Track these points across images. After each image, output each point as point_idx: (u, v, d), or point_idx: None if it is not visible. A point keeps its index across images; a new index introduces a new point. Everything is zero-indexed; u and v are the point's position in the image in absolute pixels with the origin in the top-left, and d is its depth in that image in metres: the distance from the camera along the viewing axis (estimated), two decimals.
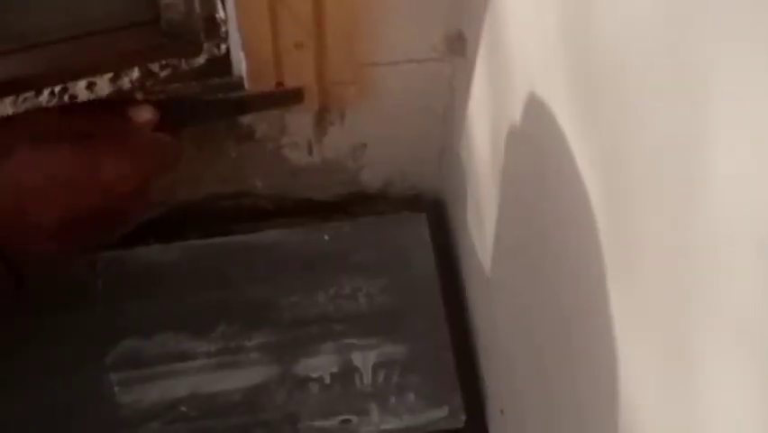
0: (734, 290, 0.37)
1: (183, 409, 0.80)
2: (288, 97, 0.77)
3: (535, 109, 0.60)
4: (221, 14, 0.77)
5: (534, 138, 0.62)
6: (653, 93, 0.42)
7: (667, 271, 0.43)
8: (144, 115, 0.71)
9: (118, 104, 0.73)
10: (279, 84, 0.76)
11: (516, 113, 0.65)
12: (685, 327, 0.42)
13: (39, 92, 0.80)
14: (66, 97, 0.80)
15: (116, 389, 0.80)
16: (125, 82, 0.80)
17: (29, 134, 0.68)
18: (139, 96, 0.77)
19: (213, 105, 0.76)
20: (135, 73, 0.79)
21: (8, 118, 0.73)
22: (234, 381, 0.81)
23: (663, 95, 0.41)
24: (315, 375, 0.82)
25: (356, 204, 0.92)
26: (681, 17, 0.39)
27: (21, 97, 0.80)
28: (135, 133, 0.70)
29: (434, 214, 0.92)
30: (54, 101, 0.80)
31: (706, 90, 0.37)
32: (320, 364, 0.82)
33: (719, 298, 0.38)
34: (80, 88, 0.81)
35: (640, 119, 0.44)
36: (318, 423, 0.80)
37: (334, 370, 0.82)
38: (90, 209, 0.67)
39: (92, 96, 0.80)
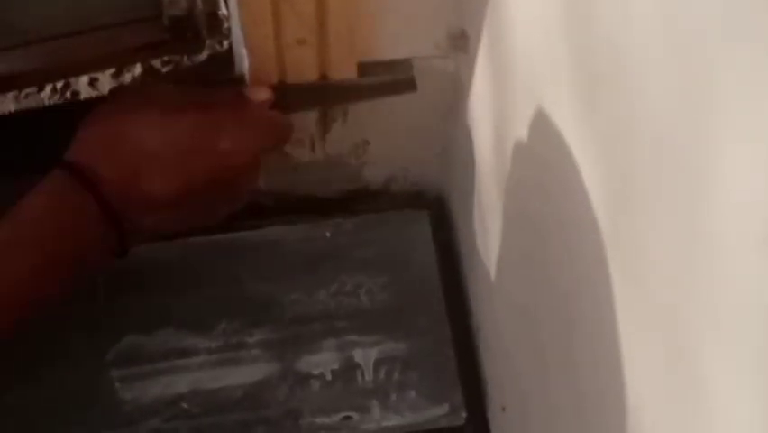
0: (736, 290, 0.37)
1: (184, 405, 0.80)
2: (401, 86, 0.78)
3: (538, 106, 0.60)
4: (223, 11, 0.77)
5: (537, 135, 0.62)
6: (657, 91, 0.42)
7: (669, 271, 0.43)
8: (261, 94, 0.72)
9: (234, 84, 0.74)
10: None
11: (518, 109, 0.65)
12: (687, 327, 0.42)
13: (41, 88, 0.80)
14: (68, 94, 0.81)
15: (117, 385, 0.80)
16: (127, 78, 0.80)
17: (153, 102, 0.68)
18: None
19: (324, 90, 0.77)
20: (137, 69, 0.79)
21: (128, 87, 0.74)
22: (236, 377, 0.81)
23: (667, 92, 0.41)
24: (316, 372, 0.82)
25: (358, 201, 0.92)
26: (684, 15, 0.39)
27: (23, 93, 0.81)
28: (252, 108, 0.71)
29: (437, 211, 0.92)
30: (56, 97, 0.80)
31: (711, 91, 0.37)
32: (321, 361, 0.82)
33: (721, 298, 0.38)
34: (82, 84, 0.81)
35: (644, 116, 0.44)
36: (320, 420, 0.80)
37: (336, 367, 0.82)
38: (206, 180, 0.67)
39: (94, 93, 0.80)
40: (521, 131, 0.66)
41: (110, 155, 0.66)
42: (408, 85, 0.78)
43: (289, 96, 0.75)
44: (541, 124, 0.60)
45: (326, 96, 0.78)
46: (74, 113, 0.70)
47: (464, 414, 0.81)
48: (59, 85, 0.81)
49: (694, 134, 0.39)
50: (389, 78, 0.77)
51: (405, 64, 0.78)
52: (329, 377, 0.82)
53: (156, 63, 0.79)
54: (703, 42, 0.37)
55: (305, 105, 0.79)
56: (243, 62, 0.74)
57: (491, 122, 0.73)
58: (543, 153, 0.61)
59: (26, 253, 0.63)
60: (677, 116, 0.40)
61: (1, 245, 0.63)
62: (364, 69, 0.76)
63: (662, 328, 0.45)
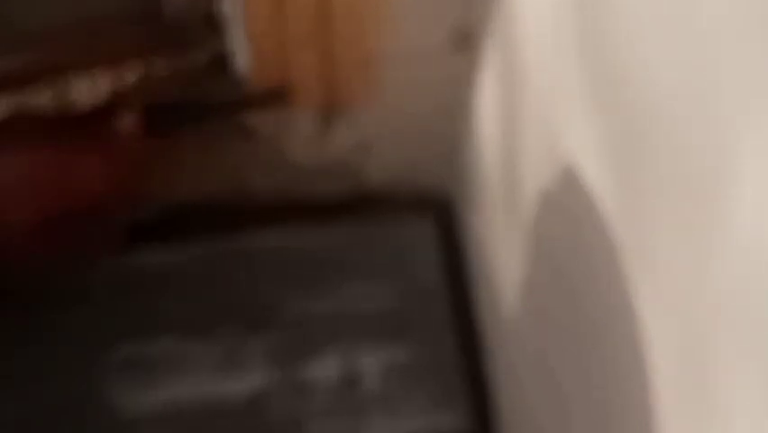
0: (752, 288, 0.35)
1: (185, 411, 0.79)
2: (272, 96, 0.77)
3: (548, 107, 0.59)
4: (223, 11, 0.76)
5: (546, 136, 0.61)
6: (667, 89, 0.41)
7: (684, 276, 0.42)
8: (125, 121, 0.72)
9: (104, 111, 0.73)
10: (278, 83, 0.75)
11: (527, 110, 0.64)
12: (703, 336, 0.40)
13: (38, 87, 0.79)
14: (69, 92, 0.80)
15: (117, 391, 0.79)
16: (127, 76, 0.79)
17: (7, 137, 0.68)
18: (131, 100, 0.76)
19: (205, 107, 0.76)
20: (136, 68, 0.78)
21: None
22: (238, 384, 0.80)
23: (677, 87, 0.40)
24: (319, 378, 0.81)
25: (362, 205, 0.91)
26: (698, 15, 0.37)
27: (20, 91, 0.80)
28: (109, 138, 0.71)
29: (442, 214, 0.91)
30: (56, 96, 0.80)
31: (725, 97, 0.36)
32: (324, 367, 0.81)
33: (737, 297, 0.37)
34: (82, 83, 0.80)
35: (656, 113, 0.43)
36: (323, 427, 0.79)
37: (339, 373, 0.81)
38: (64, 210, 0.68)
39: (93, 92, 0.80)
40: (530, 133, 0.65)
41: None
42: (279, 95, 0.77)
43: (162, 117, 0.74)
44: (551, 126, 0.59)
45: (198, 113, 0.77)
46: None
47: (469, 420, 0.80)
48: (59, 83, 0.79)
49: (706, 135, 0.38)
50: (260, 90, 0.76)
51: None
52: (332, 383, 0.81)
53: (155, 62, 0.78)
54: (716, 45, 0.36)
55: (184, 124, 0.78)
56: (242, 62, 0.73)
57: (499, 124, 0.72)
58: (552, 156, 0.60)
59: None
60: (692, 117, 0.39)
61: None
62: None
63: (676, 337, 0.43)
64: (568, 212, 0.58)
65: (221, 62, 0.76)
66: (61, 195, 0.67)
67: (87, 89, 0.79)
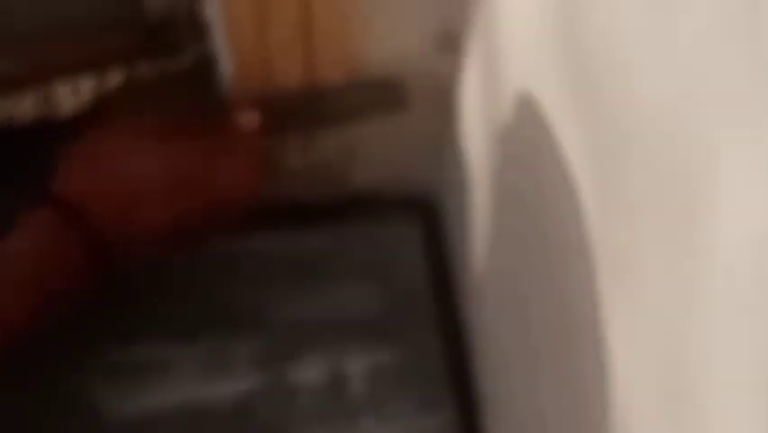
0: (733, 291, 0.35)
1: (170, 417, 0.79)
2: (390, 105, 0.77)
3: (532, 109, 0.59)
4: (205, 14, 0.76)
5: (530, 137, 0.61)
6: (653, 95, 0.41)
7: (666, 276, 0.42)
8: (251, 120, 0.70)
9: (218, 107, 0.72)
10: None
11: (509, 114, 0.64)
12: (681, 336, 0.41)
13: (22, 92, 0.79)
14: (49, 98, 0.79)
15: (102, 395, 0.79)
16: (108, 82, 0.79)
17: (143, 132, 0.66)
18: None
19: (311, 112, 0.76)
20: (118, 73, 0.78)
21: (110, 113, 0.71)
22: (223, 389, 0.80)
23: (660, 91, 0.40)
24: (305, 383, 0.81)
25: (347, 207, 0.91)
26: (672, 11, 0.38)
27: (4, 97, 0.79)
28: (245, 137, 0.69)
29: (427, 217, 0.91)
30: (35, 102, 0.79)
31: (709, 94, 0.36)
32: (310, 372, 0.81)
33: (718, 300, 0.37)
34: (63, 89, 0.80)
35: (636, 115, 0.43)
36: (310, 431, 0.79)
37: (325, 377, 0.81)
38: (202, 213, 0.66)
39: (76, 97, 0.79)
40: (514, 135, 0.65)
41: (101, 190, 0.64)
42: (398, 104, 0.77)
43: (275, 119, 0.74)
44: (535, 127, 0.59)
45: (314, 119, 0.77)
46: (52, 129, 0.69)
47: (456, 424, 0.80)
48: (41, 89, 0.79)
49: (691, 137, 0.38)
50: (378, 99, 0.77)
51: (396, 84, 0.77)
52: (318, 388, 0.81)
53: (137, 67, 0.78)
54: (701, 42, 0.36)
55: (292, 128, 0.78)
56: (227, 66, 0.73)
57: (484, 126, 0.72)
58: (536, 157, 0.60)
59: (9, 291, 0.62)
60: (674, 119, 0.39)
61: None
62: (353, 90, 0.76)
63: (659, 337, 0.43)
64: (553, 214, 0.58)
65: (204, 67, 0.76)
66: (199, 193, 0.66)
67: (71, 95, 0.79)
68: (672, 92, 0.39)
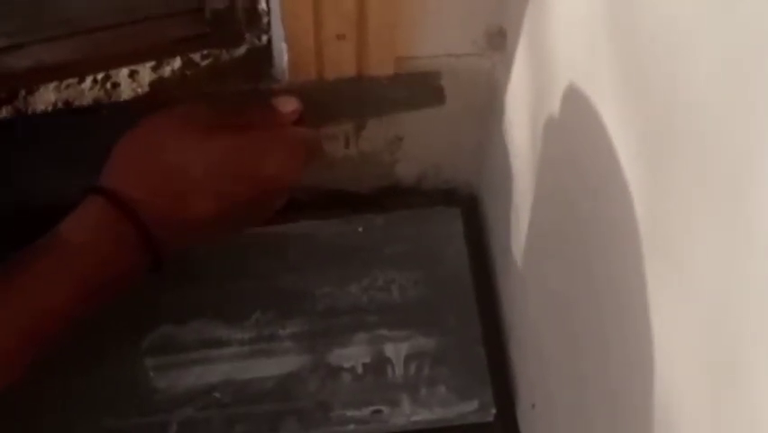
0: None
1: (216, 395, 0.81)
2: (431, 99, 0.79)
3: (577, 104, 0.60)
4: (263, 5, 0.78)
5: (575, 134, 0.62)
6: (702, 87, 0.42)
7: (709, 263, 0.43)
8: (290, 105, 0.71)
9: (257, 95, 0.72)
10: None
11: (556, 108, 0.65)
12: (727, 320, 0.42)
13: (82, 79, 0.81)
14: (108, 85, 0.81)
15: (151, 374, 0.81)
16: (167, 71, 0.81)
17: (189, 123, 0.66)
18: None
19: (358, 103, 0.77)
20: (177, 62, 0.80)
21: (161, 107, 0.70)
22: (268, 368, 0.82)
23: (714, 88, 0.41)
24: (347, 365, 0.83)
25: (391, 197, 0.92)
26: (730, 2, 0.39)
27: (64, 83, 0.82)
28: (288, 126, 0.70)
29: (469, 208, 0.92)
30: (96, 89, 0.81)
31: (761, 77, 0.37)
32: (352, 355, 0.83)
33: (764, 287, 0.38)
34: (122, 76, 0.82)
35: (688, 112, 0.44)
36: (350, 412, 0.81)
37: (366, 360, 0.83)
38: (248, 203, 0.66)
39: (134, 85, 0.81)
40: (559, 130, 0.66)
41: (148, 181, 0.64)
42: (438, 98, 0.79)
43: (323, 110, 0.76)
44: (579, 122, 0.60)
45: (359, 109, 0.79)
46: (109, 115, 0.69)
47: (493, 411, 0.81)
48: (100, 76, 0.81)
49: (740, 125, 0.39)
50: (420, 92, 0.78)
51: (433, 75, 0.79)
52: (360, 370, 0.82)
53: (195, 56, 0.80)
54: (756, 27, 0.37)
55: (338, 119, 0.80)
56: (282, 57, 0.75)
57: (528, 121, 0.73)
58: (580, 152, 0.61)
59: (67, 286, 0.62)
60: (723, 109, 0.40)
61: (42, 276, 0.61)
62: (394, 81, 0.77)
63: (702, 321, 0.45)
64: (596, 207, 0.59)
65: (261, 56, 0.78)
66: (243, 183, 0.66)
67: (129, 81, 0.81)
68: (725, 84, 0.41)
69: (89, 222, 0.63)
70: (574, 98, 0.60)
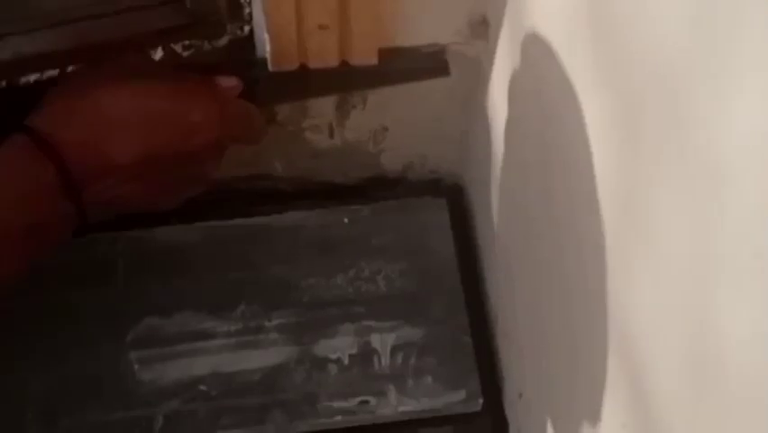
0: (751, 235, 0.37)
1: (202, 387, 0.80)
2: (434, 70, 0.79)
3: (559, 92, 0.60)
4: None
5: (557, 122, 0.62)
6: (682, 77, 0.42)
7: (686, 249, 0.43)
8: (230, 82, 0.71)
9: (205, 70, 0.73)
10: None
11: (538, 96, 0.65)
12: (707, 314, 0.42)
13: (63, 69, 0.81)
14: None
15: (136, 366, 0.81)
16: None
17: (125, 69, 0.68)
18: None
19: (347, 75, 0.77)
20: (159, 53, 0.80)
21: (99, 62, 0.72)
22: (254, 360, 0.82)
23: (692, 81, 0.41)
24: (333, 356, 0.82)
25: (376, 187, 0.92)
26: None
27: (45, 75, 0.81)
28: (224, 90, 0.70)
29: (454, 198, 0.92)
30: None
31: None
32: (339, 346, 0.83)
33: (737, 249, 0.38)
34: None
35: (670, 100, 0.44)
36: (336, 404, 0.81)
37: (353, 351, 0.83)
38: (169, 151, 0.66)
39: None
40: (541, 119, 0.66)
41: (71, 118, 0.65)
42: (442, 70, 0.79)
43: (310, 80, 0.75)
44: (562, 110, 0.60)
45: (349, 80, 0.78)
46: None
47: (481, 400, 0.81)
48: (82, 66, 0.81)
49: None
50: (422, 63, 0.78)
51: (438, 51, 0.78)
52: (346, 361, 0.82)
53: (177, 47, 0.79)
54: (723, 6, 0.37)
55: (326, 90, 0.79)
56: (264, 47, 0.74)
57: (510, 109, 0.73)
58: (563, 140, 0.61)
59: None
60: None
61: None
62: (398, 52, 0.77)
63: (683, 305, 0.45)
64: (577, 195, 0.59)
65: (243, 48, 0.77)
66: (169, 133, 0.66)
67: None
68: (695, 62, 0.40)
69: (8, 158, 0.63)
70: (556, 86, 0.60)
